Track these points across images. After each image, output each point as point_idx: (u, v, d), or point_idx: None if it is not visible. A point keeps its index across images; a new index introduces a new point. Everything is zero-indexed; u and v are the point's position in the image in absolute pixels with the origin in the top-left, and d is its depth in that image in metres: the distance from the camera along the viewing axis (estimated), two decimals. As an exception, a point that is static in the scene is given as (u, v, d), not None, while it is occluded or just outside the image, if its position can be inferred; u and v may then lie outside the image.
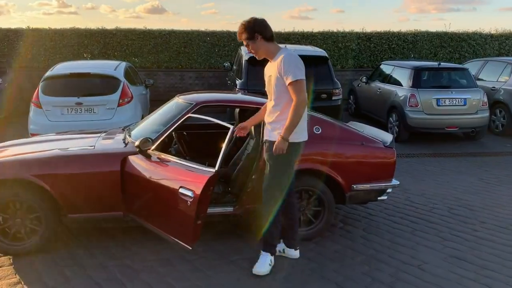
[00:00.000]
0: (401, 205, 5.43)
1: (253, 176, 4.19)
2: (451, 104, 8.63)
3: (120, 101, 7.48)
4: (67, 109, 7.31)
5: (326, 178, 4.33)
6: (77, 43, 13.00)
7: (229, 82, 9.54)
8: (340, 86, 8.10)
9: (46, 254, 3.94)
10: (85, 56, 13.03)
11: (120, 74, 7.82)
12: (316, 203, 4.36)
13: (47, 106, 7.28)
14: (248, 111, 4.63)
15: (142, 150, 3.82)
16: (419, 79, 8.89)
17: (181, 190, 3.36)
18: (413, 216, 5.08)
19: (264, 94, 7.53)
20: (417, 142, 8.92)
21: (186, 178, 3.39)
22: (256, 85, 7.62)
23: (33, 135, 7.19)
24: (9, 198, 3.85)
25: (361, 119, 10.67)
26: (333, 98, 7.96)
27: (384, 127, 9.25)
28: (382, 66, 10.71)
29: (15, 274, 3.64)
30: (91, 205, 3.96)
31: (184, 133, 5.20)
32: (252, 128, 4.43)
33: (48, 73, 7.76)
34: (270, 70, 3.61)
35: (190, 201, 3.26)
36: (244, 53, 8.19)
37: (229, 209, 4.22)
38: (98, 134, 4.75)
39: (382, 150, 4.46)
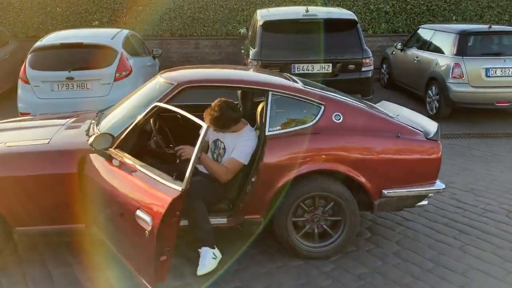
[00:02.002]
0: (444, 205, 4.36)
1: (253, 179, 3.23)
2: (503, 74, 7.31)
3: (117, 75, 6.57)
4: (57, 84, 6.47)
5: (348, 181, 3.32)
6: (85, 10, 12.10)
7: (242, 51, 8.47)
8: (371, 54, 6.90)
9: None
10: (93, 24, 12.14)
11: (117, 44, 6.87)
12: (334, 212, 3.38)
13: (35, 81, 6.45)
14: (253, 94, 3.65)
15: (98, 150, 2.89)
16: (465, 46, 7.57)
17: (138, 213, 2.44)
18: (461, 223, 4.01)
19: (281, 69, 6.61)
20: (461, 120, 7.66)
21: (145, 198, 2.46)
22: (272, 56, 6.60)
23: (22, 114, 6.44)
24: None
25: (395, 91, 9.46)
26: (363, 69, 6.78)
27: (422, 102, 8.05)
28: (420, 31, 9.38)
29: None
30: (43, 215, 3.11)
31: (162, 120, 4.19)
32: (258, 117, 3.45)
33: (37, 43, 6.89)
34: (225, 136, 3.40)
35: (148, 231, 2.33)
36: (260, 17, 7.08)
37: (222, 220, 3.29)
38: (65, 121, 3.86)
39: (424, 144, 3.39)
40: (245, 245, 3.47)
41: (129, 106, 3.51)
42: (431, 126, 3.57)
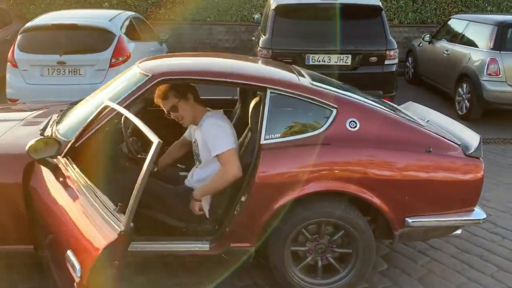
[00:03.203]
0: (477, 230, 3.64)
1: (242, 198, 2.58)
2: (546, 73, 6.47)
3: (113, 60, 5.97)
4: (48, 69, 5.91)
5: (362, 204, 2.64)
6: (96, -10, 11.53)
7: (253, 38, 7.76)
8: (396, 46, 6.13)
9: None
10: (103, 6, 11.56)
11: (115, 26, 6.25)
12: (343, 242, 2.71)
13: (24, 65, 5.90)
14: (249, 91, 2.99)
15: (40, 160, 2.26)
16: (503, 39, 6.72)
17: (69, 254, 1.81)
18: (499, 255, 3.30)
19: (294, 60, 5.87)
20: (494, 123, 6.84)
21: (76, 236, 1.82)
22: (284, 44, 5.90)
23: (11, 101, 5.91)
24: None
25: (420, 87, 8.67)
26: (386, 62, 6.02)
27: (450, 100, 7.25)
28: (452, 22, 8.53)
29: None
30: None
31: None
32: (251, 119, 2.78)
33: (28, 23, 6.31)
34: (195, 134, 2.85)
35: (76, 283, 1.70)
36: (273, 0, 6.36)
37: (204, 246, 2.65)
38: (29, 114, 3.26)
39: (462, 161, 2.68)
40: (227, 273, 2.82)
41: (97, 101, 2.87)
42: (471, 138, 2.85)
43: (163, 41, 8.23)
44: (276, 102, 2.62)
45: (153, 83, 2.61)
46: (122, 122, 2.85)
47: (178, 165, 3.29)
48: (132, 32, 6.80)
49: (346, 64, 5.94)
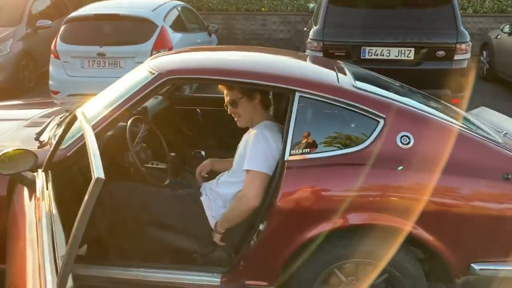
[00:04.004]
0: None
1: (261, 226, 2.09)
2: None
3: (154, 52, 5.65)
4: (88, 61, 5.72)
5: (413, 244, 2.07)
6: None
7: (305, 28, 7.16)
8: (469, 39, 5.30)
9: None
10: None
11: (158, 17, 5.94)
12: (387, 286, 2.15)
13: (66, 56, 5.75)
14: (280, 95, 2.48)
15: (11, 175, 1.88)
16: None
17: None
18: None
19: (348, 54, 5.24)
20: None
21: (12, 280, 1.41)
22: (337, 36, 5.29)
23: (53, 93, 5.80)
24: None
25: (496, 84, 7.68)
26: (456, 57, 5.21)
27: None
28: (537, 10, 7.46)
29: None
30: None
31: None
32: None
33: (72, 13, 6.15)
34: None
35: None
36: (327, -12, 5.73)
37: (215, 280, 2.20)
38: (39, 112, 2.95)
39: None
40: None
41: (104, 100, 2.47)
42: None
43: (212, 32, 7.89)
44: (306, 108, 2.09)
45: (159, 82, 2.17)
46: (127, 127, 2.44)
47: (186, 168, 2.90)
48: (177, 22, 6.48)
49: (408, 58, 5.22)
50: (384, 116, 2.07)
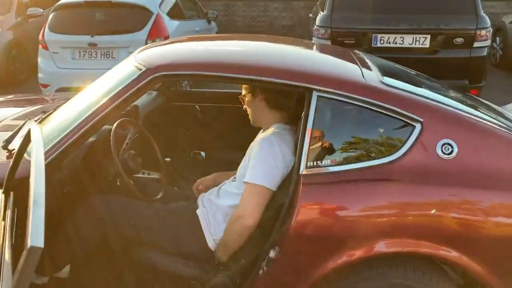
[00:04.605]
0: None
1: (271, 253, 1.73)
2: None
3: (149, 41, 5.28)
4: (79, 51, 5.35)
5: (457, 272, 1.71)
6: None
7: (311, 15, 6.74)
8: (489, 24, 4.90)
9: None
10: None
11: (153, 3, 5.56)
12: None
13: (55, 47, 5.38)
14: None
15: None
16: None
17: None
18: None
19: (358, 42, 4.84)
20: None
21: None
22: (346, 22, 4.90)
23: (42, 86, 5.43)
24: None
25: (510, 72, 7.28)
26: (476, 44, 4.82)
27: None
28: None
29: None
30: None
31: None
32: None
33: (61, 0, 5.73)
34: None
35: None
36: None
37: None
38: (21, 110, 2.59)
39: None
40: None
41: (83, 100, 2.09)
42: None
43: (212, 19, 7.49)
44: (325, 110, 1.71)
45: (147, 79, 1.79)
46: (112, 132, 2.07)
47: (183, 174, 2.54)
48: (174, 9, 6.09)
49: (423, 46, 4.83)
50: (421, 119, 1.68)
